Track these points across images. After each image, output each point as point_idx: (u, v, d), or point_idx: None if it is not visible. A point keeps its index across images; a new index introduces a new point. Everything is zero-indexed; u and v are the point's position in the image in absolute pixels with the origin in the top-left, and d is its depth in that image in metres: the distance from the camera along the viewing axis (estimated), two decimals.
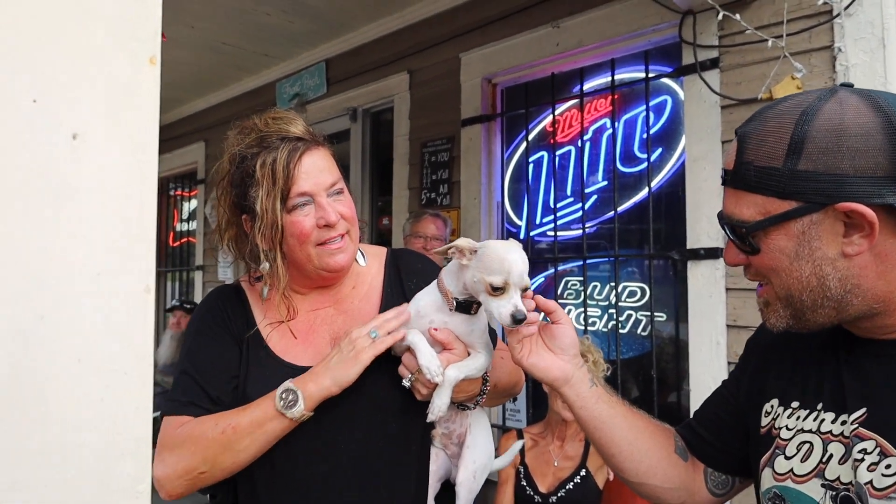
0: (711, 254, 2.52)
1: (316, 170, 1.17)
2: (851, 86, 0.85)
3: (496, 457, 1.39)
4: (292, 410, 1.10)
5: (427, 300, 1.18)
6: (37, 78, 0.55)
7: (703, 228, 2.56)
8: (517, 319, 1.03)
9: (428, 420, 1.14)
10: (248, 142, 1.17)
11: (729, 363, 2.47)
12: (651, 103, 2.88)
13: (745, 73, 2.46)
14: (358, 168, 4.37)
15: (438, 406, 1.12)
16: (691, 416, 1.16)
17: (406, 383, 1.15)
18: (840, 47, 2.22)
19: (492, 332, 1.26)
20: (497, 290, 1.05)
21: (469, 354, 1.17)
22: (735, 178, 0.86)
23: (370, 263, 1.32)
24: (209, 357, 1.19)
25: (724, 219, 0.89)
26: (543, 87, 3.25)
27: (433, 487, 1.24)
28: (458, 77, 3.54)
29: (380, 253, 1.36)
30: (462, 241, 1.10)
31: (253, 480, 1.18)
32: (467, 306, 1.14)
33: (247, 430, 1.09)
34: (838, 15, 2.23)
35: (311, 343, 1.22)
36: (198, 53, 4.48)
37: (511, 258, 1.06)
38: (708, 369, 2.52)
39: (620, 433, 1.05)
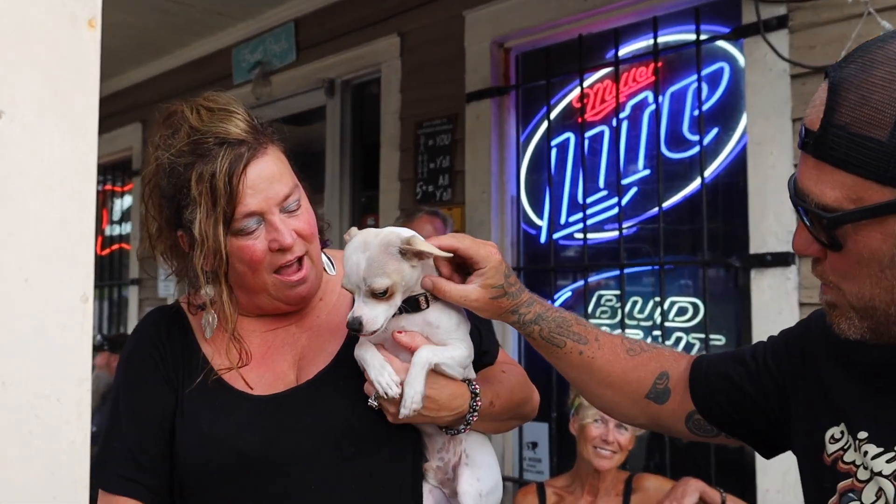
0: (780, 260, 2.54)
1: (265, 182, 1.19)
2: None
3: None
4: None
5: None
6: None
7: (769, 228, 2.59)
8: (352, 328, 1.15)
9: (401, 415, 1.17)
10: (178, 146, 1.19)
11: None
12: (703, 72, 2.91)
13: (819, 35, 2.50)
14: (335, 155, 4.40)
15: (411, 396, 1.16)
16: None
17: (372, 403, 1.20)
18: None
19: (488, 338, 1.35)
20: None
21: None
22: (819, 145, 0.79)
23: (339, 271, 1.36)
24: (152, 419, 1.24)
25: (798, 195, 0.83)
26: (569, 52, 3.28)
27: None
28: (461, 40, 3.58)
29: None
30: (352, 229, 1.21)
31: None
32: (413, 302, 1.20)
33: None
34: None
35: (270, 366, 1.26)
36: (135, 13, 4.52)
37: (350, 259, 1.16)
38: None
39: (569, 377, 1.25)
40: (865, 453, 0.89)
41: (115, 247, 6.27)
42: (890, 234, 0.77)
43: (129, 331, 5.05)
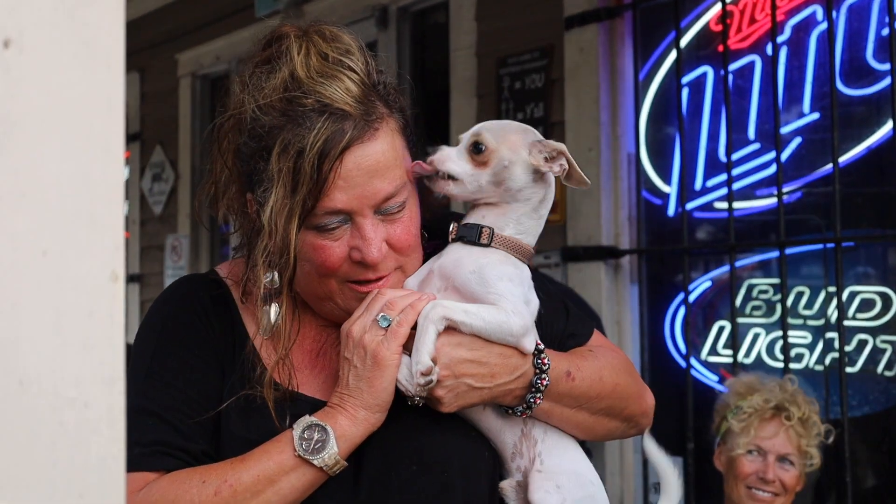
0: None
1: (364, 174, 1.22)
2: None
3: None
4: (321, 456, 1.18)
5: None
6: None
7: None
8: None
9: (414, 391, 1.21)
10: (270, 96, 1.21)
11: None
12: None
13: None
14: None
15: (416, 360, 1.20)
16: None
17: (416, 399, 1.24)
18: None
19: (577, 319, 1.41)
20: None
21: None
22: None
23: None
24: (181, 379, 1.27)
25: None
26: None
27: None
28: None
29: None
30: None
31: None
32: (473, 232, 1.27)
33: (252, 489, 1.18)
34: None
35: (324, 367, 1.33)
36: None
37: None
38: None
39: None
40: None
41: None
42: None
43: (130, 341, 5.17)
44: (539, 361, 1.27)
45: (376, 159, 1.22)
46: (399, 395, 1.24)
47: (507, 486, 1.35)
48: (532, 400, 1.28)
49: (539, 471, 1.31)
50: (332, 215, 1.22)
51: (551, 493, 1.29)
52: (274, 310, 1.27)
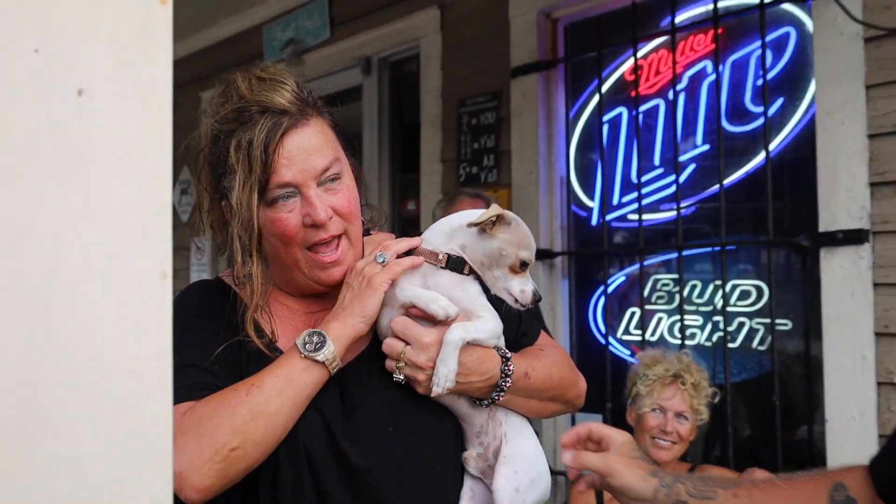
0: (853, 238, 2.53)
1: (302, 153, 1.24)
2: None
3: None
4: (322, 352, 1.20)
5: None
6: (38, 25, 0.62)
7: (840, 204, 2.58)
8: (537, 298, 1.28)
9: (433, 393, 1.24)
10: (223, 113, 1.26)
11: (879, 384, 2.48)
12: (768, 38, 2.89)
13: None
14: (373, 137, 4.45)
15: (444, 374, 1.23)
16: (829, 453, 1.19)
17: (399, 376, 1.26)
18: None
19: (528, 321, 1.42)
20: (522, 267, 1.28)
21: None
22: None
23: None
24: (206, 346, 1.27)
25: None
26: (621, 20, 3.28)
27: None
28: (505, 11, 3.60)
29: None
30: (506, 211, 1.30)
31: None
32: (458, 264, 1.30)
33: (274, 388, 1.19)
34: None
35: None
36: None
37: (532, 237, 1.30)
38: (851, 394, 2.53)
39: None
40: None
41: None
42: None
43: None
44: (505, 367, 1.29)
45: (310, 140, 1.26)
46: (388, 374, 1.27)
47: (470, 455, 1.35)
48: (497, 396, 1.30)
49: (504, 456, 1.32)
50: (283, 188, 1.24)
51: (509, 479, 1.30)
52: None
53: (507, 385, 1.29)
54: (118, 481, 0.65)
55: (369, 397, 1.28)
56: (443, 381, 1.23)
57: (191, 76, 5.37)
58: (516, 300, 1.28)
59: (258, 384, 1.19)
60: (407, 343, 1.25)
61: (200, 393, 1.21)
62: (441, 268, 1.30)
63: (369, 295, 1.24)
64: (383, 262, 1.26)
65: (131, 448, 0.65)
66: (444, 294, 1.28)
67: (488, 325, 1.29)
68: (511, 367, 1.29)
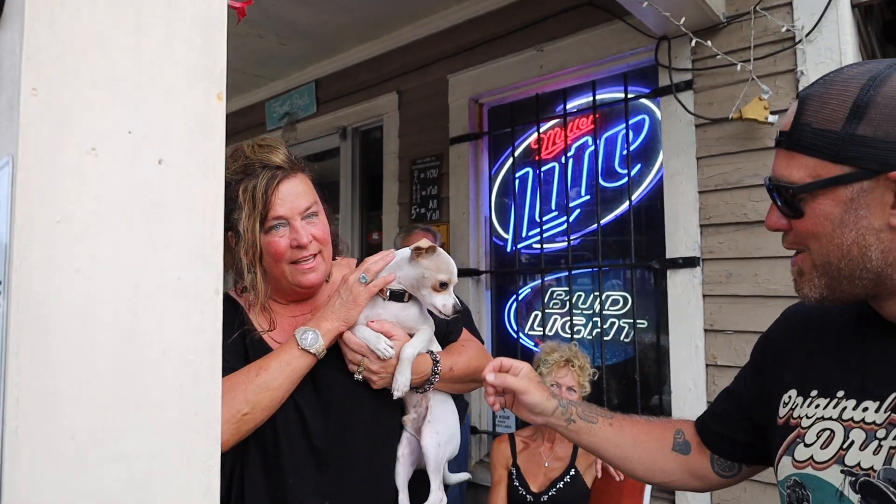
0: (689, 262, 2.63)
1: (292, 196, 1.25)
2: None
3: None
4: (315, 346, 1.21)
5: None
6: (132, 112, 0.64)
7: (680, 239, 2.68)
8: (457, 310, 1.27)
9: (395, 396, 1.26)
10: (234, 167, 1.27)
11: (707, 365, 2.58)
12: (630, 122, 3.00)
13: (716, 95, 2.60)
14: (348, 185, 4.44)
15: (402, 382, 1.25)
16: (674, 414, 1.23)
17: (358, 376, 1.26)
18: (802, 70, 2.38)
19: (454, 323, 1.41)
20: (443, 286, 1.27)
21: (411, 337, 1.30)
22: (790, 140, 0.83)
23: (343, 273, 1.43)
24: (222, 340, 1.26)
25: (772, 181, 0.86)
26: (528, 106, 3.36)
27: (407, 472, 1.34)
28: (446, 97, 3.65)
29: (350, 263, 1.48)
30: (424, 243, 1.28)
31: (249, 461, 1.25)
32: (399, 296, 1.29)
33: (277, 370, 1.19)
34: (800, 41, 2.39)
35: None
36: None
37: (453, 263, 1.30)
38: (687, 372, 2.62)
39: (607, 453, 1.15)
40: (817, 406, 0.89)
41: None
42: (839, 200, 0.80)
43: None
44: (436, 367, 1.31)
45: (297, 188, 1.28)
46: (349, 373, 1.28)
47: (408, 419, 1.37)
48: (428, 387, 1.32)
49: (429, 421, 1.34)
50: (277, 220, 1.25)
51: (433, 437, 1.32)
52: (253, 294, 1.30)
53: (436, 380, 1.31)
54: (181, 440, 0.66)
55: (336, 380, 1.28)
56: (401, 387, 1.25)
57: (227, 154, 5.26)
58: (440, 312, 1.27)
59: (265, 367, 1.19)
60: (364, 356, 1.27)
61: (223, 373, 1.21)
62: (385, 300, 1.30)
63: (353, 307, 1.26)
64: (365, 281, 1.27)
65: (190, 416, 0.67)
66: (392, 316, 1.29)
67: (424, 337, 1.31)
68: (439, 367, 1.31)
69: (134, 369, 0.63)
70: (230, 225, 1.27)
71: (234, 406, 1.15)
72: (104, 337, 0.62)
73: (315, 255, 1.29)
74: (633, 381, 2.92)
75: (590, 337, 3.13)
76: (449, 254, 1.33)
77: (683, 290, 2.65)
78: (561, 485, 2.41)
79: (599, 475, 2.44)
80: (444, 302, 1.27)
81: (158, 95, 0.66)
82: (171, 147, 0.67)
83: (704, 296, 2.60)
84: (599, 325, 3.04)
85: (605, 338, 3.05)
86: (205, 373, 0.68)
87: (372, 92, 4.12)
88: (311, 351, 1.21)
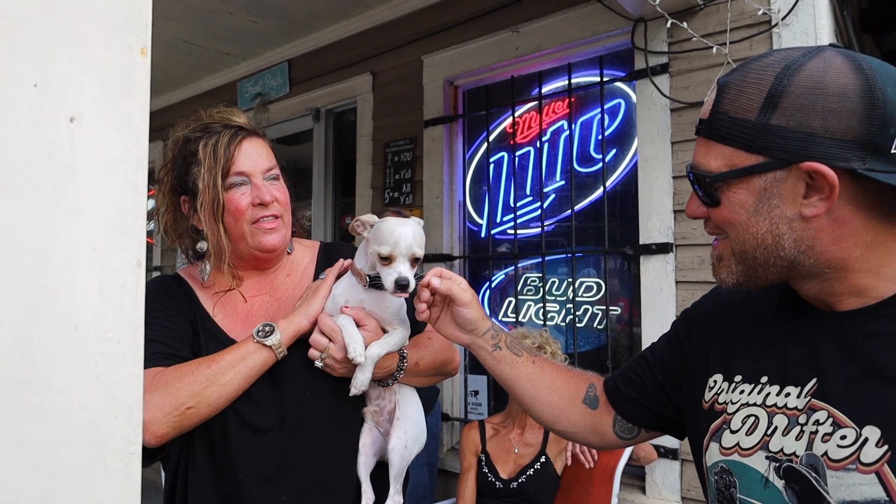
0: (662, 249, 2.63)
1: (254, 154, 1.24)
2: (840, 46, 0.81)
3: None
4: (270, 338, 1.16)
5: (343, 283, 1.27)
6: (38, 64, 0.58)
7: (654, 225, 2.67)
8: (399, 285, 1.14)
9: (351, 394, 1.20)
10: (193, 126, 1.25)
11: None
12: (606, 106, 2.98)
13: (692, 78, 2.59)
14: (321, 168, 4.37)
15: (361, 381, 1.19)
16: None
17: (319, 364, 1.19)
18: None
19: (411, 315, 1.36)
20: (384, 260, 1.15)
21: (384, 332, 1.24)
22: (708, 128, 0.83)
23: (303, 254, 1.40)
24: (166, 325, 1.21)
25: (692, 169, 0.87)
26: (503, 89, 3.33)
27: (369, 463, 1.28)
28: (420, 79, 3.59)
29: (313, 245, 1.43)
30: (366, 216, 1.21)
31: (195, 455, 1.19)
32: (380, 284, 1.19)
33: (229, 364, 1.13)
34: (776, 25, 2.38)
35: (249, 326, 1.26)
36: (157, 52, 4.41)
37: (399, 231, 1.15)
38: None
39: (522, 389, 1.15)
40: (741, 391, 0.90)
41: None
42: (753, 189, 0.81)
43: None
44: (402, 363, 1.26)
45: (260, 148, 1.26)
46: (309, 361, 1.22)
47: (368, 410, 1.31)
48: (392, 381, 1.28)
49: (398, 418, 1.29)
50: (239, 175, 1.22)
51: (401, 437, 1.27)
52: (206, 266, 1.26)
53: (401, 375, 1.27)
54: (97, 425, 0.61)
55: (294, 368, 1.22)
56: (360, 385, 1.19)
57: (179, 118, 5.15)
58: (387, 288, 1.17)
59: (218, 360, 1.14)
60: (331, 340, 1.20)
61: (168, 361, 1.15)
62: (365, 287, 1.23)
63: (313, 304, 1.22)
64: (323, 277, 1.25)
65: (107, 399, 0.62)
66: (370, 306, 1.23)
67: (396, 338, 1.23)
68: (405, 363, 1.27)
69: (40, 347, 0.58)
70: (186, 186, 1.22)
71: (178, 398, 1.09)
72: (5, 313, 0.56)
73: (276, 217, 1.25)
74: (605, 367, 2.92)
75: (563, 324, 3.12)
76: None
77: (656, 276, 2.65)
78: (531, 472, 2.40)
79: (569, 462, 2.43)
80: (388, 277, 1.14)
81: (71, 47, 0.60)
82: (85, 104, 0.61)
83: (677, 282, 2.60)
84: (573, 311, 3.03)
85: (579, 325, 3.04)
86: (125, 352, 0.63)
87: (346, 73, 4.04)
88: (268, 343, 1.15)
